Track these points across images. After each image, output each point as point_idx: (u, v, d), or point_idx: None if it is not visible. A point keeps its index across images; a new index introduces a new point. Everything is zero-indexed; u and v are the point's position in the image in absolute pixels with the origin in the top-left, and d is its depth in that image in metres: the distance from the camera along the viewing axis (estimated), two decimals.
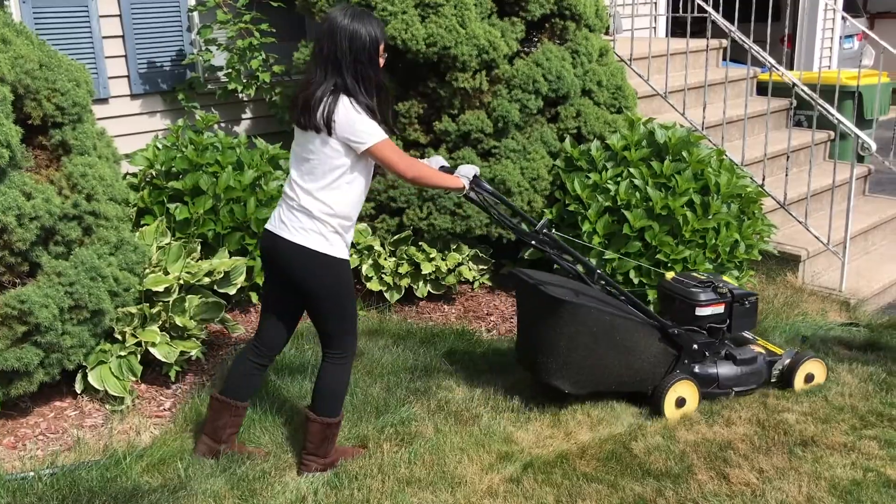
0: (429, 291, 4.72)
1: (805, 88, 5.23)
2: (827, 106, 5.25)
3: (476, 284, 4.99)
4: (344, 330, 3.05)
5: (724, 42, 6.69)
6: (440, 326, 4.54)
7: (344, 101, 2.81)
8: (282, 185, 4.61)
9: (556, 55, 4.80)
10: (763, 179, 5.40)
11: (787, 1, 7.68)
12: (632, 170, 4.67)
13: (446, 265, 4.68)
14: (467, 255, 4.82)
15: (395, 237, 4.73)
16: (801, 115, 6.92)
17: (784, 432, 3.46)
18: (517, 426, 3.49)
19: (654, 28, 8.52)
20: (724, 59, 7.31)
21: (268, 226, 3.00)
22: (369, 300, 4.77)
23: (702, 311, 3.75)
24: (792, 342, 4.43)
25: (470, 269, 4.81)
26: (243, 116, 5.48)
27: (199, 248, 4.26)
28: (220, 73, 5.26)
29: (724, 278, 4.00)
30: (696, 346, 3.72)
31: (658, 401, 3.61)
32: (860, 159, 6.69)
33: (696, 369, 3.75)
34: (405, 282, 4.65)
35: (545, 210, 4.79)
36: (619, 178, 4.68)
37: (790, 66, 10.99)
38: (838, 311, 4.96)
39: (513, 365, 4.10)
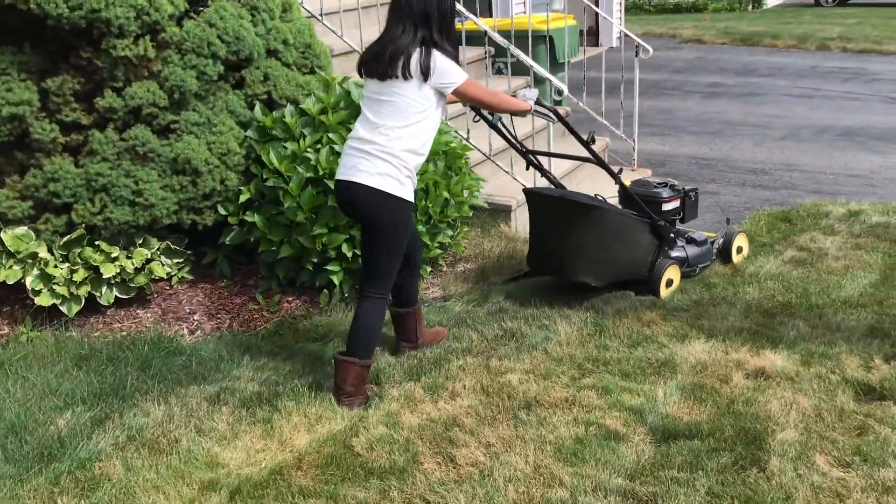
0: (116, 297, 4.08)
1: (497, 36, 5.16)
2: (518, 52, 5.22)
3: (175, 280, 4.41)
4: (390, 270, 3.39)
5: None
6: (132, 336, 3.94)
7: (434, 52, 3.22)
8: None
9: (231, 13, 4.28)
10: (468, 132, 5.29)
11: None
12: (331, 135, 4.31)
13: (133, 264, 4.06)
14: (157, 249, 4.22)
15: (66, 239, 4.01)
16: (501, 62, 6.97)
17: (508, 396, 3.34)
18: (224, 444, 3.05)
19: None
20: None
21: (340, 176, 3.34)
22: (40, 318, 4.03)
23: (666, 206, 4.56)
24: None
25: (163, 265, 4.22)
26: None
27: None
28: None
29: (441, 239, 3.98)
30: (672, 235, 4.51)
31: (656, 284, 4.36)
32: (558, 103, 6.89)
33: (673, 254, 4.52)
34: (84, 290, 3.97)
35: (241, 188, 4.30)
36: (319, 146, 4.31)
37: (489, 13, 11.24)
38: None
39: (223, 368, 3.63)
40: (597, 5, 14.02)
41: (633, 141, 6.54)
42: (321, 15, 5.52)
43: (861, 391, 3.31)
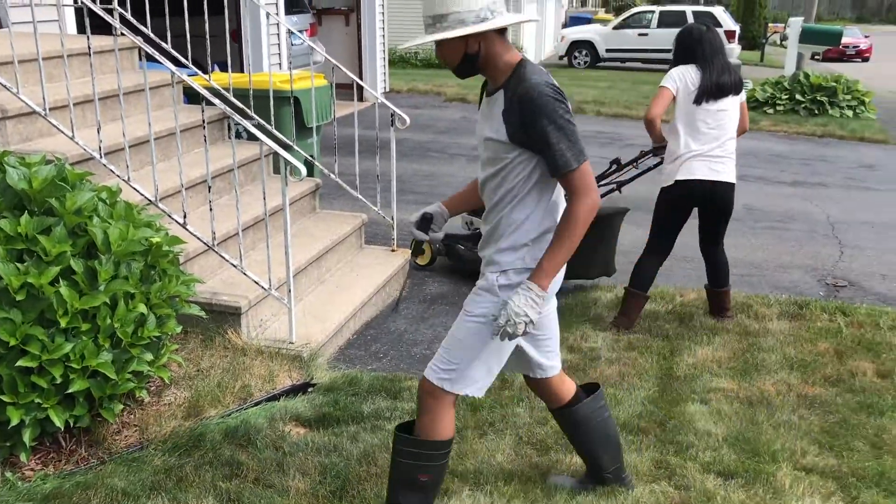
0: None
1: (214, 99, 4.20)
2: (242, 121, 4.32)
3: None
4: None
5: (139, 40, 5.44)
6: None
7: None
8: None
9: None
10: (185, 216, 4.28)
11: None
12: None
13: None
14: None
15: None
16: (240, 126, 6.01)
17: None
18: None
19: (59, 21, 6.87)
20: (151, 59, 6.09)
21: (703, 176, 4.53)
22: None
23: None
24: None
25: None
26: None
27: None
28: None
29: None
30: None
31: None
32: (311, 172, 6.07)
33: None
34: None
35: None
36: None
37: (241, 67, 10.22)
38: (290, 370, 4.09)
39: None
40: (360, 60, 13.56)
41: (393, 219, 5.83)
42: (45, 111, 4.26)
43: None
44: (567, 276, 5.40)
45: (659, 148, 4.83)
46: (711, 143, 4.52)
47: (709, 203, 4.63)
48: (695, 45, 4.56)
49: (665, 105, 4.53)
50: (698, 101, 4.50)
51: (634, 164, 5.12)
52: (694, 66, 4.56)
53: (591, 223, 5.11)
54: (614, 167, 5.18)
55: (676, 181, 4.58)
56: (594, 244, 5.16)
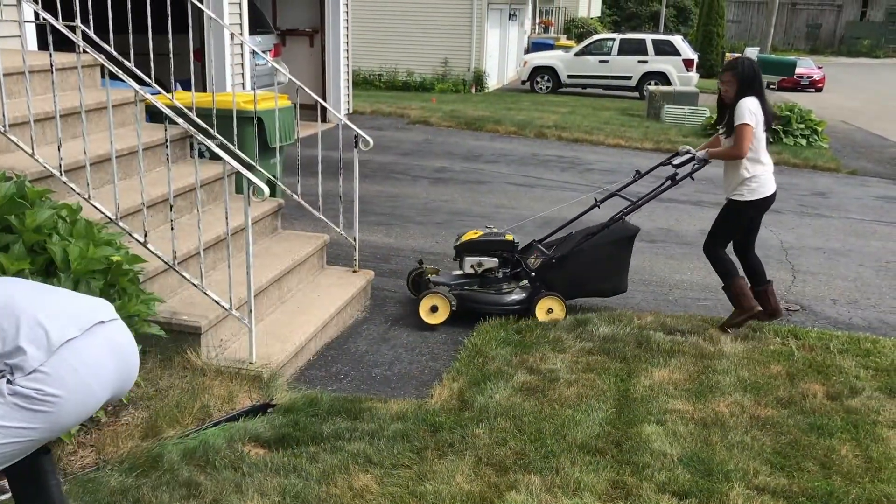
0: None
1: (177, 118, 4.21)
2: (205, 141, 4.33)
3: None
4: None
5: (101, 58, 5.41)
6: None
7: None
8: None
9: None
10: (145, 235, 4.26)
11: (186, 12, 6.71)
12: None
13: None
14: None
15: None
16: (202, 145, 6.00)
17: None
18: None
19: (21, 37, 6.81)
20: (114, 77, 6.06)
21: (774, 189, 5.17)
22: None
23: None
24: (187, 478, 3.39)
25: None
26: None
27: None
28: None
29: None
30: None
31: None
32: (273, 192, 6.06)
33: None
34: None
35: None
36: None
37: (204, 86, 10.18)
38: (249, 391, 4.08)
39: None
40: (323, 81, 13.59)
41: (355, 240, 5.84)
42: (5, 127, 4.23)
43: None
44: (606, 295, 5.69)
45: (705, 162, 5.35)
46: (770, 161, 5.15)
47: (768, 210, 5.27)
48: (754, 78, 5.06)
49: (751, 140, 4.98)
50: (768, 128, 5.08)
51: (690, 176, 5.42)
52: (754, 98, 5.00)
53: (623, 244, 5.38)
54: (668, 183, 5.49)
55: (767, 196, 5.12)
56: (626, 263, 5.61)
